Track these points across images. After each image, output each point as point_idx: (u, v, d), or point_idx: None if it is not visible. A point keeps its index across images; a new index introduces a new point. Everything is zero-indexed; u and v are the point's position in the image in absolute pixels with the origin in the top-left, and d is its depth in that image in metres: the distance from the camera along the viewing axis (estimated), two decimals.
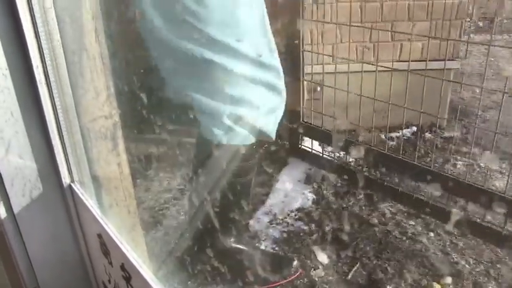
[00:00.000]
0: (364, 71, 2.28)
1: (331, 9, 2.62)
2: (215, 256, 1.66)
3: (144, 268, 0.80)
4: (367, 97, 2.09)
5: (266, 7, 1.43)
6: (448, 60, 2.72)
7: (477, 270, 1.73)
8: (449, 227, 1.93)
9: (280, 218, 1.99)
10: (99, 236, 0.94)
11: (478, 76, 3.11)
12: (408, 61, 2.02)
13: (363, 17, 2.67)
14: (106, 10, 1.18)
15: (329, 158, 2.34)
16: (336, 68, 2.23)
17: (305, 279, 1.70)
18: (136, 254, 0.84)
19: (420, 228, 1.93)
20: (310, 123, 2.33)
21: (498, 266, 1.74)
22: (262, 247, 1.83)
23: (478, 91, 3.10)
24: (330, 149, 2.46)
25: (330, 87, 2.24)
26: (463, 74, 3.24)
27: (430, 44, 2.66)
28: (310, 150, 2.34)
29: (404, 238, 1.89)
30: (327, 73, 2.29)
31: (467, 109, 3.00)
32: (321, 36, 2.61)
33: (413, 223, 1.97)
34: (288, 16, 2.27)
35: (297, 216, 2.00)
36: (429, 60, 2.58)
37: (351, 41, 2.63)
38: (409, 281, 1.69)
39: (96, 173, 1.13)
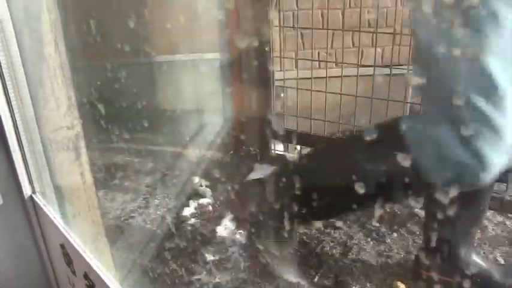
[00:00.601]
0: (329, 77, 2.36)
1: (293, 17, 2.69)
2: (180, 263, 1.67)
3: (108, 276, 0.80)
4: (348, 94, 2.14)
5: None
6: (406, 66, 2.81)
7: None
8: (413, 227, 1.99)
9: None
10: (62, 246, 0.94)
11: None
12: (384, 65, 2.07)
13: (325, 24, 2.73)
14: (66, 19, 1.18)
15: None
16: (311, 73, 2.30)
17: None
18: (100, 262, 0.84)
19: (384, 229, 1.98)
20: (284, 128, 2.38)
21: None
22: (229, 253, 1.85)
23: None
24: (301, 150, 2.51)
25: (308, 90, 2.29)
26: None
27: (389, 50, 2.74)
28: (281, 153, 2.39)
29: (369, 239, 1.93)
30: (301, 79, 2.34)
31: None
32: (284, 43, 2.66)
33: (377, 224, 2.02)
34: (258, 22, 2.31)
35: None
36: (389, 66, 2.68)
37: (313, 47, 2.69)
38: (375, 281, 1.73)
39: (58, 184, 1.13)
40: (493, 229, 1.96)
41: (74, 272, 0.90)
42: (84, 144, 1.20)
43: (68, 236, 0.90)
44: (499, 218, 2.01)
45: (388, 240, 1.93)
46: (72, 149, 1.15)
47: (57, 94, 1.09)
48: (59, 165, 1.11)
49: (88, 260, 0.80)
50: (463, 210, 1.45)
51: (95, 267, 0.80)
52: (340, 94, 2.25)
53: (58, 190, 1.10)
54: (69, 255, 0.90)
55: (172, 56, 2.79)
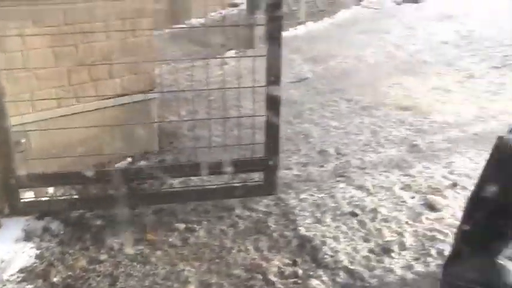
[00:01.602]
0: (72, 113, 2.34)
1: (23, 57, 2.57)
2: None
3: None
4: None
5: None
6: (148, 92, 2.96)
7: (202, 270, 1.95)
8: (175, 240, 2.12)
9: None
10: None
11: (183, 100, 3.45)
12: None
13: (59, 61, 2.68)
14: None
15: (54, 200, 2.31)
16: (53, 113, 2.22)
17: None
18: None
19: (148, 251, 2.07)
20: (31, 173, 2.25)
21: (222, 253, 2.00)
22: None
23: (184, 113, 3.46)
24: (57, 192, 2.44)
25: (51, 129, 2.20)
26: (170, 101, 3.58)
27: (128, 80, 2.85)
28: (32, 200, 2.27)
29: (134, 263, 2.00)
30: (42, 120, 2.25)
31: (176, 131, 3.29)
32: (16, 86, 2.53)
33: (141, 247, 2.09)
34: None
35: (19, 278, 1.90)
36: (131, 94, 2.81)
37: (50, 86, 2.63)
38: None
39: None
40: None
41: None
42: None
43: None
44: None
45: (153, 259, 2.02)
46: None
47: None
48: None
49: None
50: None
51: None
52: (86, 128, 2.26)
53: None
54: None
55: None
